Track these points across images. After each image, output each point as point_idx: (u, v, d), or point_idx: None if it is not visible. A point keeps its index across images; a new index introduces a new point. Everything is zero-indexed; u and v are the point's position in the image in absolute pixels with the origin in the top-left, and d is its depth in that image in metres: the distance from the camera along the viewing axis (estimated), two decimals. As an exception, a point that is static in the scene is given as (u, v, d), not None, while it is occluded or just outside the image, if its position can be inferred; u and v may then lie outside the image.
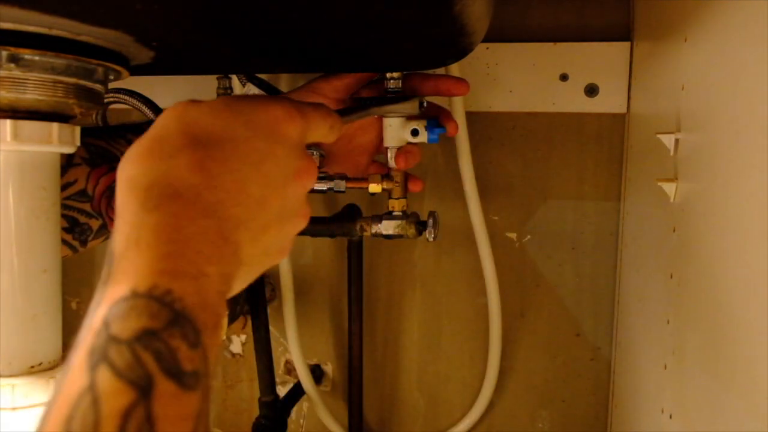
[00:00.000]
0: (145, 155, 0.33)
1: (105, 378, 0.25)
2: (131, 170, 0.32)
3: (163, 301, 0.27)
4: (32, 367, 0.41)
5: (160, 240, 0.29)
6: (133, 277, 0.28)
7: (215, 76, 0.91)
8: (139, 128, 0.64)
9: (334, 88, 0.62)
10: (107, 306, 0.27)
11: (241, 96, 0.39)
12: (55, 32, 0.43)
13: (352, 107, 0.61)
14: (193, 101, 0.37)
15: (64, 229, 0.57)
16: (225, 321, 0.75)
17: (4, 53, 0.41)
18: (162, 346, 0.26)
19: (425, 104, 0.62)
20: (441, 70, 0.86)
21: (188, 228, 0.30)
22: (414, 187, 0.67)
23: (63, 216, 0.53)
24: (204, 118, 0.35)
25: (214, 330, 0.29)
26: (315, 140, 0.42)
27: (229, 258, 0.32)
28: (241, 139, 0.35)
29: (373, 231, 0.67)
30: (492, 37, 0.89)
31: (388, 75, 0.62)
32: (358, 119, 0.61)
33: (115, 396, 0.25)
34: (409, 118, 0.63)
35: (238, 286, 0.35)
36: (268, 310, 0.88)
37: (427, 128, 0.63)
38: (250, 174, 0.34)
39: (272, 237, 0.37)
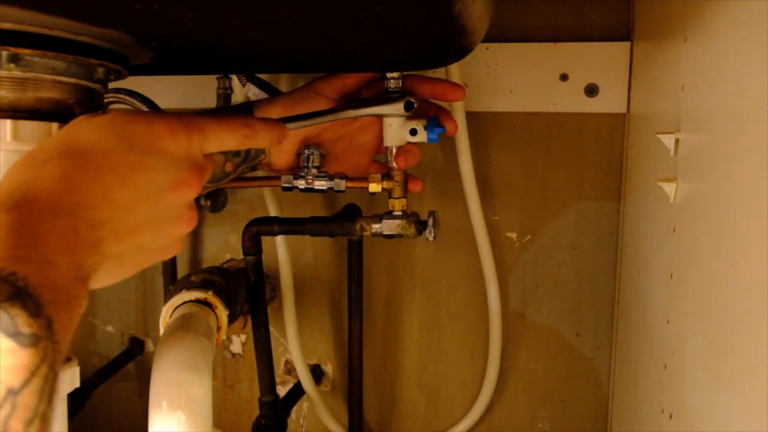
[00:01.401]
0: (24, 162, 0.39)
1: None
2: (8, 173, 0.38)
3: (7, 279, 0.33)
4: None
5: (12, 234, 0.34)
6: None
7: (215, 76, 0.91)
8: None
9: (333, 88, 0.62)
10: None
11: (133, 113, 0.44)
12: (55, 32, 0.43)
13: (320, 111, 0.61)
14: (91, 117, 0.42)
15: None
16: (222, 320, 0.74)
17: (5, 53, 0.41)
18: (3, 313, 0.32)
19: (416, 104, 0.62)
20: (441, 70, 0.86)
21: (39, 225, 0.36)
22: (414, 187, 0.67)
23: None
24: (87, 132, 0.40)
25: (69, 307, 0.35)
26: (222, 149, 0.48)
27: (85, 251, 0.38)
28: (114, 151, 0.40)
29: (374, 230, 0.67)
30: (492, 37, 0.89)
31: (388, 75, 0.62)
32: (330, 121, 0.61)
33: None
34: (409, 117, 0.63)
35: (116, 275, 0.41)
36: (268, 310, 0.88)
37: (426, 128, 0.63)
38: (117, 182, 0.40)
39: (146, 237, 0.42)
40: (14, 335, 0.32)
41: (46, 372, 0.33)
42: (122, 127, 0.41)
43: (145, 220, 0.41)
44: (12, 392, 0.32)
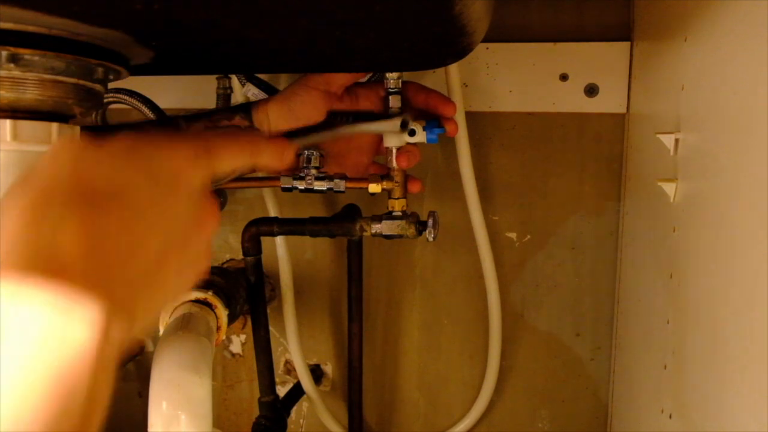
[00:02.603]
0: (31, 213, 0.30)
1: None
2: (12, 226, 0.30)
3: None
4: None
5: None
6: None
7: (215, 76, 0.91)
8: (138, 127, 0.64)
9: (326, 81, 0.62)
10: None
11: (145, 136, 0.36)
12: (55, 32, 0.43)
13: (318, 126, 0.61)
14: (101, 146, 0.34)
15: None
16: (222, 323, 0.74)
17: (4, 53, 0.41)
18: None
19: (410, 123, 0.62)
20: (441, 70, 0.86)
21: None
22: (413, 187, 0.67)
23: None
24: (101, 167, 0.33)
25: None
26: (228, 170, 0.40)
27: (120, 323, 0.31)
28: (141, 190, 0.33)
29: (373, 231, 0.68)
30: (492, 37, 0.89)
31: (388, 75, 0.62)
32: (326, 139, 0.61)
33: None
34: (409, 118, 0.63)
35: (137, 329, 0.33)
36: (268, 310, 0.88)
37: (426, 128, 0.63)
38: (150, 228, 0.33)
39: (171, 287, 0.36)
40: None
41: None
42: (144, 157, 0.34)
43: (174, 270, 0.35)
44: None
